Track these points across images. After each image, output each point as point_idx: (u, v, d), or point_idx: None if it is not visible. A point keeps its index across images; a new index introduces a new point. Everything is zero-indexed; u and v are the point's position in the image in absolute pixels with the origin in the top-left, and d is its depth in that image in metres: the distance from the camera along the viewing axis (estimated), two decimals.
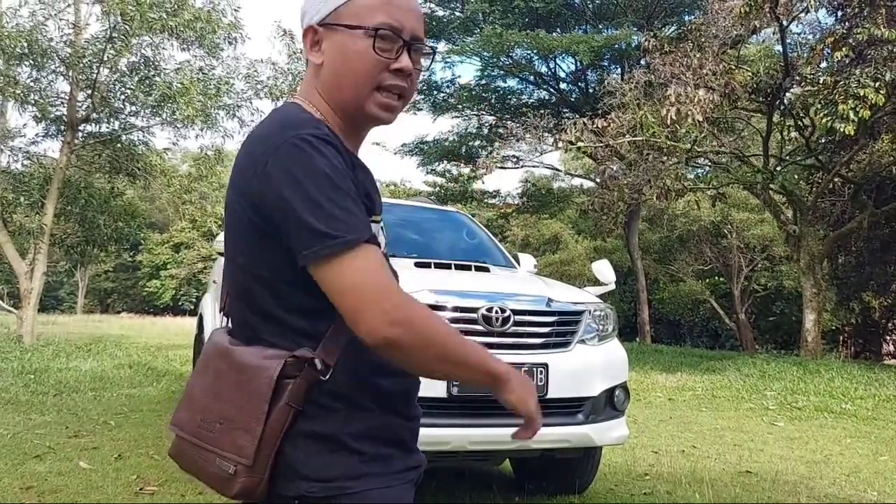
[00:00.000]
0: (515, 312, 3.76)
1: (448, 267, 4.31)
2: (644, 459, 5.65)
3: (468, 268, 4.38)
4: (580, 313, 4.01)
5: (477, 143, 23.52)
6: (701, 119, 11.78)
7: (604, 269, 4.53)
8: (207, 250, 48.69)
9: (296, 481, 1.15)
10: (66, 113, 13.14)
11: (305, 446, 1.15)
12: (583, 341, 3.95)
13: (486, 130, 23.53)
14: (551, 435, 3.75)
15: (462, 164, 24.52)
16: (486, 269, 4.40)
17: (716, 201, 15.87)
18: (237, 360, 1.19)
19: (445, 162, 24.39)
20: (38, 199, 12.97)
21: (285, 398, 1.14)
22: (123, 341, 15.98)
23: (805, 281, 14.18)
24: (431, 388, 3.53)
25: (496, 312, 3.71)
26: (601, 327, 4.10)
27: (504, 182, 79.52)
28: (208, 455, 1.18)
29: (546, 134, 13.91)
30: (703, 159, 16.26)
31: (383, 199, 5.87)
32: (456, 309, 3.69)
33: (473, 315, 3.69)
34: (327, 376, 1.14)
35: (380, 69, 1.22)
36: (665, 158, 13.88)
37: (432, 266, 4.27)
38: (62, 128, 13.19)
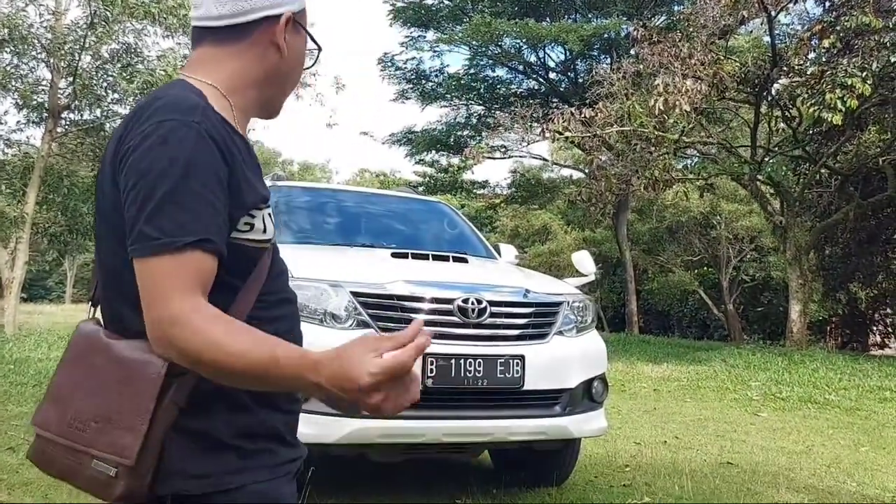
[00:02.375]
0: (492, 304, 3.71)
1: (425, 258, 4.25)
2: (625, 451, 5.63)
3: (445, 258, 4.32)
4: (558, 304, 3.96)
5: (465, 132, 23.43)
6: (689, 109, 11.74)
7: (584, 260, 4.49)
8: None
9: (170, 479, 1.10)
10: (47, 100, 12.97)
11: (182, 444, 1.10)
12: (560, 333, 3.90)
13: (474, 120, 23.44)
14: (528, 427, 3.72)
15: (451, 154, 24.42)
16: (464, 260, 4.34)
17: (704, 192, 15.82)
18: (117, 355, 1.12)
19: (434, 152, 24.30)
20: (19, 188, 12.83)
21: (171, 396, 1.08)
22: None
23: (791, 272, 14.20)
24: None
25: (472, 304, 3.65)
26: (580, 319, 4.05)
27: (493, 172, 79.40)
28: (82, 457, 1.09)
29: (534, 124, 13.85)
30: (690, 150, 16.24)
31: (366, 190, 5.72)
32: (432, 300, 3.63)
33: (449, 306, 3.63)
34: None
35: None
36: (653, 149, 13.84)
37: (409, 257, 4.20)
38: (44, 115, 13.02)
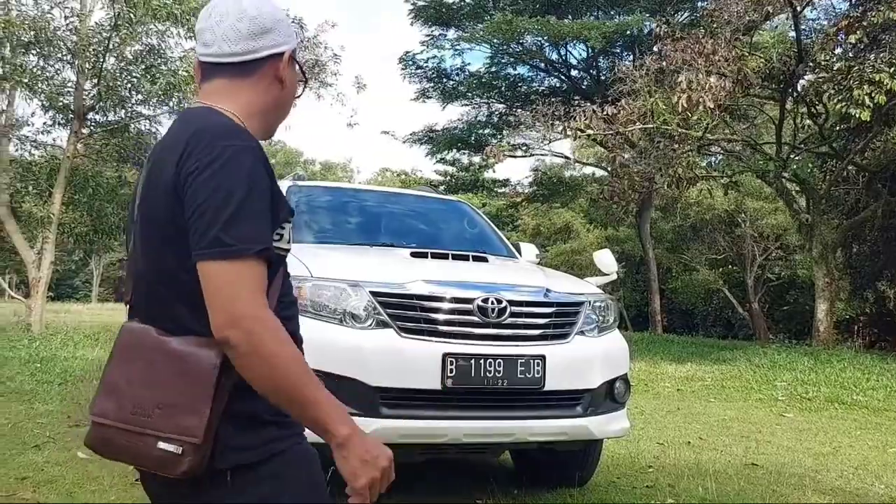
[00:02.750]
0: (512, 303, 3.68)
1: (445, 257, 4.23)
2: (649, 451, 5.57)
3: (465, 258, 4.30)
4: (579, 304, 3.93)
5: (486, 131, 23.36)
6: (713, 106, 11.60)
7: (605, 259, 4.44)
8: None
9: (227, 454, 1.25)
10: (73, 102, 13.12)
11: (234, 424, 1.27)
12: (582, 333, 3.86)
13: (495, 118, 23.36)
14: (549, 428, 3.69)
15: (472, 153, 24.37)
16: (484, 260, 4.31)
17: (728, 190, 15.64)
18: (174, 350, 1.27)
19: (455, 150, 24.25)
20: (45, 188, 12.99)
21: (223, 384, 1.25)
22: None
23: (817, 270, 14.00)
24: (426, 379, 3.49)
25: (492, 303, 3.63)
26: (601, 318, 4.01)
27: (514, 171, 79.21)
28: (147, 439, 1.23)
29: (556, 122, 13.77)
30: (714, 147, 16.06)
31: (386, 189, 5.70)
32: (451, 300, 3.61)
33: (469, 306, 3.61)
34: None
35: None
36: (676, 146, 13.71)
37: (429, 256, 4.19)
38: (70, 116, 13.18)
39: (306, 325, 3.45)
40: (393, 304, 3.57)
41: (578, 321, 3.87)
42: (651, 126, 12.58)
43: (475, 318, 3.60)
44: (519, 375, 3.57)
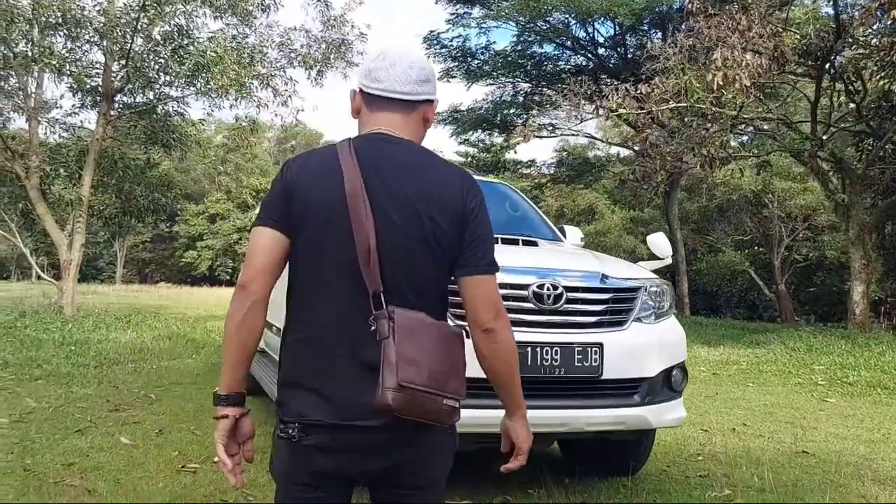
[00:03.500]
0: (568, 289, 3.57)
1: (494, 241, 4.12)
2: (694, 438, 5.46)
3: (514, 242, 4.19)
4: (636, 290, 3.80)
5: (511, 111, 23.10)
6: (749, 84, 11.32)
7: (660, 242, 4.29)
8: (242, 221, 49.14)
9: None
10: (101, 83, 13.09)
11: None
12: (639, 319, 3.74)
13: (521, 98, 23.09)
14: (606, 417, 3.58)
15: (497, 133, 24.12)
16: (534, 244, 4.20)
17: (760, 170, 15.34)
18: (447, 332, 1.65)
19: (479, 131, 24.01)
20: (75, 171, 13.00)
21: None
22: (162, 312, 16.13)
23: (854, 252, 13.72)
24: (477, 368, 3.38)
25: (548, 289, 3.52)
26: (658, 304, 3.89)
27: (538, 151, 78.50)
28: (437, 399, 1.56)
29: (584, 101, 13.53)
30: (746, 126, 15.74)
31: None
32: (504, 286, 3.50)
33: (524, 292, 3.50)
34: None
35: None
36: (708, 125, 13.43)
37: None
38: (98, 98, 13.15)
39: None
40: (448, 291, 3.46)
41: (635, 307, 3.75)
42: (684, 105, 12.31)
43: (530, 305, 3.49)
44: (576, 364, 3.46)
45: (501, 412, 3.51)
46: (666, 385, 3.78)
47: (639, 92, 11.87)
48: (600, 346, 3.52)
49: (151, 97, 13.44)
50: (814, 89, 14.24)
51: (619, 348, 3.57)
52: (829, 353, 10.96)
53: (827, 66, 13.53)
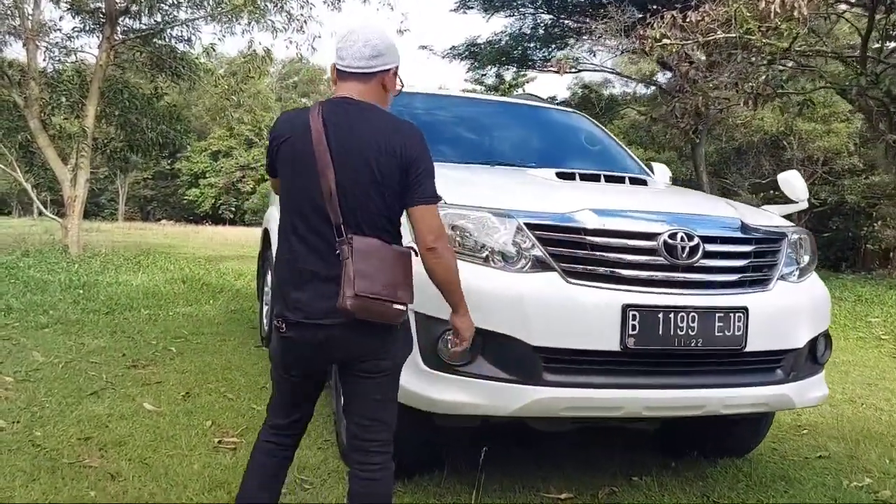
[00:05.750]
0: (704, 240, 2.86)
1: (596, 178, 3.40)
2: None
3: (620, 180, 3.46)
4: (779, 240, 3.10)
5: (532, 44, 21.91)
6: (807, 13, 10.36)
7: (794, 182, 3.55)
8: (245, 159, 48.05)
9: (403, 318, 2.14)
10: (103, 5, 12.07)
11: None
12: (783, 277, 3.05)
13: (541, 31, 21.87)
14: (746, 397, 2.92)
15: (517, 68, 22.95)
16: (643, 182, 3.48)
17: (802, 108, 14.43)
18: (396, 251, 2.09)
19: (498, 66, 22.81)
20: (77, 101, 12.10)
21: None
22: (170, 252, 15.46)
23: None
24: (601, 338, 2.71)
25: (682, 239, 2.81)
26: (800, 259, 3.19)
27: (546, 89, 76.41)
28: (388, 304, 2.02)
29: (623, 32, 12.54)
30: (788, 61, 14.75)
31: (490, 98, 4.82)
32: (631, 234, 2.80)
33: (652, 243, 2.79)
34: None
35: None
36: (753, 59, 12.49)
37: (577, 177, 3.36)
38: (101, 21, 12.15)
39: None
40: (556, 241, 2.76)
41: (779, 262, 3.05)
42: (734, 35, 11.36)
43: (661, 260, 2.79)
44: (717, 333, 2.78)
45: (622, 392, 2.87)
46: (810, 357, 3.11)
47: (687, 20, 10.90)
48: (745, 310, 2.83)
49: (158, 20, 12.43)
50: (866, 22, 13.23)
51: (764, 313, 2.88)
52: (882, 304, 10.31)
53: None
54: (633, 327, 2.68)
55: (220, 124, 42.47)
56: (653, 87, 25.30)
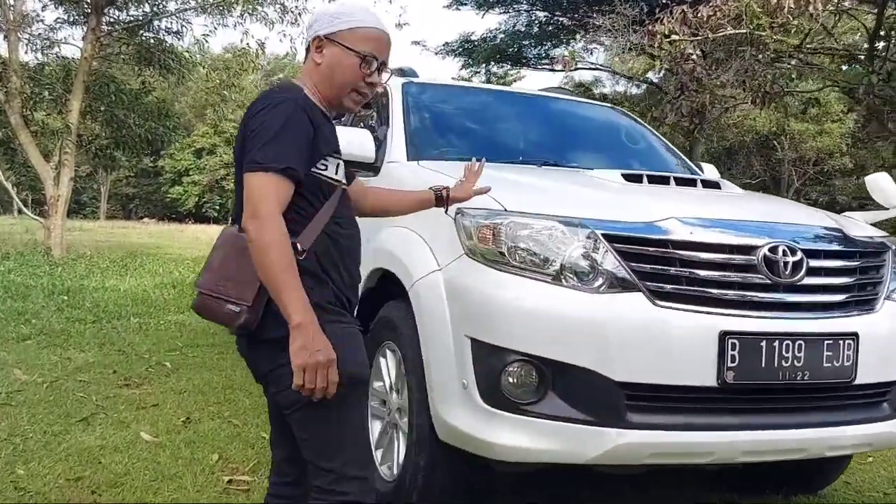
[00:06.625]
0: (808, 254, 2.45)
1: (664, 181, 2.98)
2: None
3: (691, 182, 3.06)
4: (882, 253, 2.70)
5: (526, 42, 21.48)
6: (821, 9, 10.04)
7: (886, 185, 3.15)
8: (229, 156, 47.30)
9: (280, 327, 1.62)
10: None
11: None
12: (889, 297, 2.65)
13: (535, 28, 21.45)
14: (851, 437, 2.51)
15: (511, 66, 22.53)
16: (716, 186, 3.07)
17: (807, 108, 14.13)
18: (241, 241, 1.69)
19: (493, 63, 22.34)
20: (61, 95, 11.52)
21: None
22: (157, 252, 14.93)
23: None
24: (695, 371, 2.30)
25: (783, 254, 2.40)
26: None
27: (538, 88, 75.84)
28: (220, 302, 1.72)
29: (631, 28, 12.15)
30: (791, 59, 14.46)
31: (523, 90, 4.38)
32: (727, 248, 2.38)
33: (751, 258, 2.38)
34: (303, 257, 1.67)
35: (358, 79, 1.82)
36: (760, 56, 12.16)
37: (644, 180, 2.94)
38: (86, 11, 11.56)
39: (505, 283, 2.34)
40: (640, 255, 2.34)
41: (885, 279, 2.65)
42: (744, 31, 11.01)
43: (760, 278, 2.38)
44: (825, 364, 2.38)
45: (717, 435, 2.46)
46: None
47: (698, 15, 10.53)
48: (854, 336, 2.43)
49: (147, 11, 11.85)
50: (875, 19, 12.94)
51: (874, 339, 2.49)
52: None
53: None
54: (733, 358, 2.27)
55: (205, 121, 41.78)
56: (644, 86, 24.97)
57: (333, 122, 1.92)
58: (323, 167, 1.76)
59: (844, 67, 14.96)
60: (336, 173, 1.80)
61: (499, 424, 2.31)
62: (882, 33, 13.60)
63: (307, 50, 1.87)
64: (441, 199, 2.26)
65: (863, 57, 12.86)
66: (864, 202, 27.72)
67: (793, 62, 14.28)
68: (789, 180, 31.61)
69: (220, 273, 1.75)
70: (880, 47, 13.72)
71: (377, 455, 2.97)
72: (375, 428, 3.02)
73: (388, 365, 2.92)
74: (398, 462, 2.78)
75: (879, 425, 2.55)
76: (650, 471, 3.06)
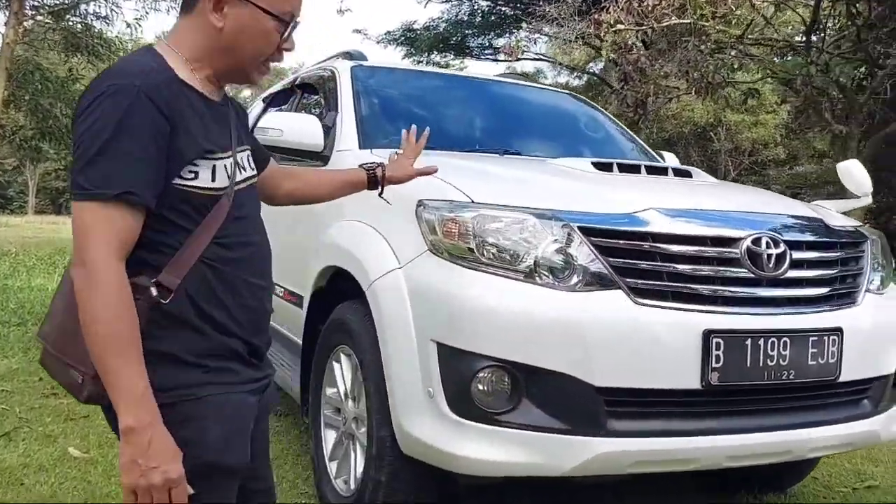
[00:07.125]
0: (790, 245, 2.32)
1: (636, 170, 2.83)
2: None
3: (663, 172, 2.91)
4: (862, 244, 2.60)
5: (469, 31, 21.32)
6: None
7: (857, 174, 3.05)
8: None
9: None
10: None
11: (148, 363, 1.21)
12: (868, 289, 2.54)
13: (478, 18, 21.30)
14: (832, 436, 2.39)
15: (455, 55, 22.35)
16: (687, 174, 2.93)
17: (747, 98, 14.33)
18: None
19: (436, 53, 22.12)
20: None
21: None
22: None
23: None
24: (678, 374, 2.14)
25: (767, 246, 2.26)
26: (882, 265, 2.70)
27: None
28: (62, 365, 1.31)
29: (575, 17, 12.09)
30: (731, 49, 14.67)
31: (477, 74, 4.05)
32: (706, 241, 2.24)
33: (733, 251, 2.24)
34: (167, 301, 1.24)
35: (274, 47, 1.37)
36: (703, 47, 12.28)
37: (615, 169, 2.77)
38: None
39: (473, 282, 2.13)
40: (619, 249, 2.17)
41: (865, 270, 2.54)
42: (687, 21, 11.06)
43: (743, 271, 2.24)
44: (810, 361, 2.26)
45: (700, 440, 2.31)
46: (894, 381, 2.63)
47: (643, 4, 10.53)
48: (839, 332, 2.31)
49: None
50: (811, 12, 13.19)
51: (858, 334, 2.38)
52: None
53: None
54: (718, 358, 2.13)
55: None
56: (586, 78, 25.17)
57: (239, 105, 1.50)
58: (190, 175, 1.28)
59: (779, 59, 15.25)
60: (213, 179, 1.31)
61: (468, 436, 2.12)
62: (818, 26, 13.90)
63: (188, 5, 1.36)
64: (375, 179, 1.87)
65: (801, 48, 13.09)
66: (797, 191, 28.52)
67: (734, 53, 14.49)
68: (725, 170, 32.41)
69: (61, 327, 1.33)
70: (815, 40, 14.03)
71: (332, 467, 2.77)
72: (330, 438, 2.81)
73: (343, 369, 2.70)
74: (355, 476, 2.57)
75: (861, 423, 2.44)
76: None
